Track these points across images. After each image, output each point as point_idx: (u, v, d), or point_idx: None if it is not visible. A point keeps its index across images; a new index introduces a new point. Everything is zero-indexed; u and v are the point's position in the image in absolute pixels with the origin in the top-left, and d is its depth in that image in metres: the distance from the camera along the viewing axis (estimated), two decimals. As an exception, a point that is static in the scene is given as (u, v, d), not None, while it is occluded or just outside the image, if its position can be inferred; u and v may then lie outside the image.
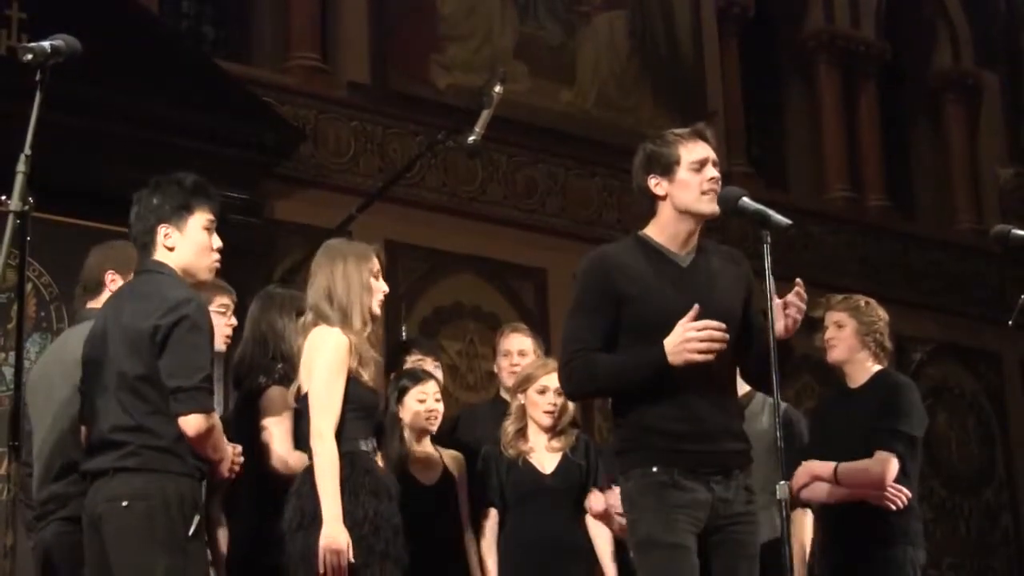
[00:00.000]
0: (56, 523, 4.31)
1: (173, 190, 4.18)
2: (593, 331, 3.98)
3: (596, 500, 5.30)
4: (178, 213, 4.16)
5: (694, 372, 3.88)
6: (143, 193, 4.20)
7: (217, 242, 4.24)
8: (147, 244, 4.16)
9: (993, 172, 13.44)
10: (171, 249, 4.15)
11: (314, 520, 4.26)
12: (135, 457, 3.93)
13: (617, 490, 4.67)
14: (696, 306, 3.86)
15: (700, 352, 3.83)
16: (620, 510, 5.00)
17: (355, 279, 4.49)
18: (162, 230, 4.15)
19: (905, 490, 5.04)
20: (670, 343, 3.85)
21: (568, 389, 4.22)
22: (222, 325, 4.89)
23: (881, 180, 12.76)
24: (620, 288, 3.97)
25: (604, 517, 5.29)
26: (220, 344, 4.89)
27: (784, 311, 3.96)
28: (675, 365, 3.85)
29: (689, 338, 3.84)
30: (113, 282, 4.59)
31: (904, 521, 5.09)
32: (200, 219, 4.19)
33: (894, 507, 5.01)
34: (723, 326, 3.86)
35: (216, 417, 4.05)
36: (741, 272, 4.14)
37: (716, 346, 3.85)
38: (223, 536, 4.78)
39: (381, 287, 4.57)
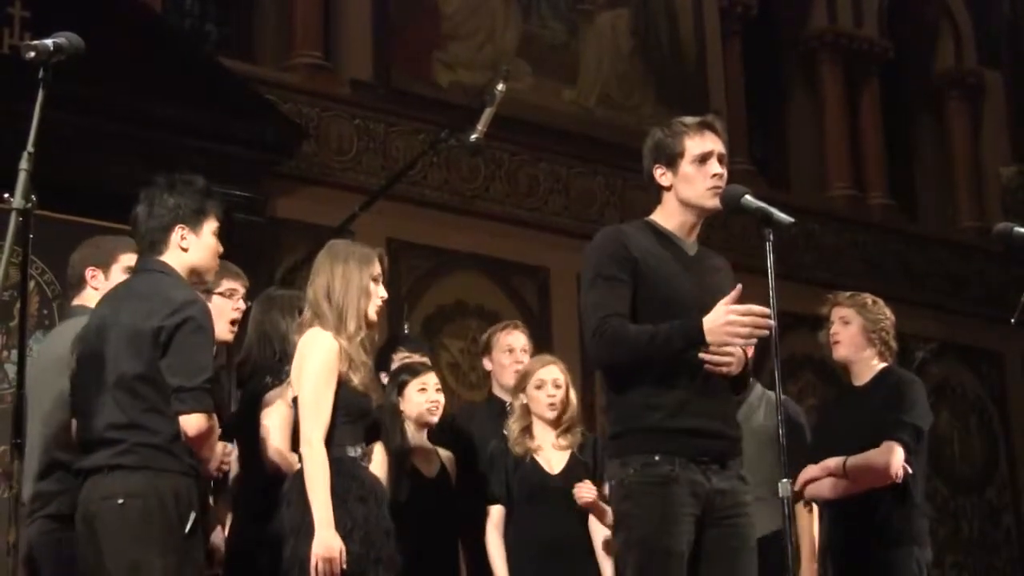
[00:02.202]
0: (40, 521, 4.29)
1: (189, 191, 4.18)
2: (617, 297, 3.93)
3: (587, 489, 5.18)
4: (195, 216, 4.16)
5: (694, 356, 3.87)
6: (155, 191, 4.18)
7: (220, 247, 4.26)
8: (156, 243, 4.15)
9: (996, 171, 13.43)
10: (185, 250, 4.15)
11: (303, 527, 4.25)
12: (131, 455, 3.92)
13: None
14: (739, 286, 3.83)
15: (742, 337, 3.79)
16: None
17: (354, 281, 4.47)
18: (179, 231, 4.14)
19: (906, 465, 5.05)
20: (711, 321, 3.79)
21: (598, 355, 4.02)
22: (228, 310, 4.85)
23: (883, 179, 12.77)
24: (637, 258, 3.96)
25: (594, 507, 5.22)
26: (227, 330, 4.84)
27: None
28: (710, 343, 3.80)
29: (732, 321, 3.77)
30: (94, 278, 4.58)
31: (910, 520, 5.10)
32: (212, 224, 4.20)
33: (898, 479, 5.01)
34: (768, 312, 3.79)
35: (215, 418, 4.04)
36: (729, 277, 4.11)
37: (759, 332, 3.80)
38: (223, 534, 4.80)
39: (380, 293, 4.55)
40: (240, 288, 4.93)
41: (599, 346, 3.94)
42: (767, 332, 3.80)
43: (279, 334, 4.87)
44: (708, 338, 3.80)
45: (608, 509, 4.84)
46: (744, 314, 3.77)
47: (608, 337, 3.90)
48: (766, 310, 3.79)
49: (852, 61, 12.69)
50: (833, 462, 5.09)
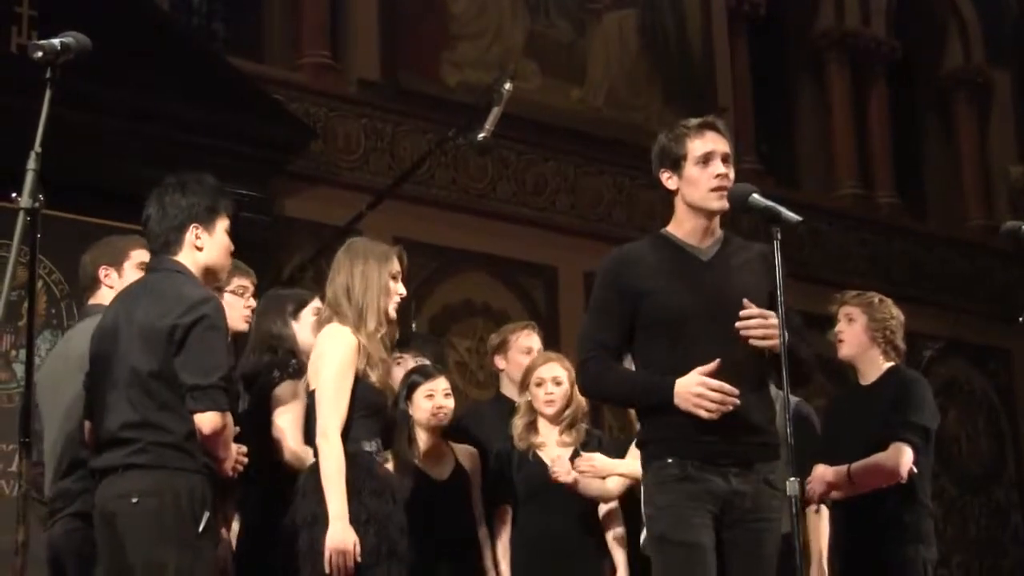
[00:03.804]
0: (64, 520, 4.32)
1: (201, 191, 4.18)
2: (609, 330, 4.01)
3: (561, 466, 5.20)
4: (209, 215, 4.17)
5: (721, 366, 3.86)
6: (166, 191, 4.19)
7: (232, 245, 4.27)
8: (170, 242, 4.15)
9: (1004, 169, 13.42)
10: (199, 249, 4.16)
11: (317, 519, 4.27)
12: (145, 454, 3.93)
13: (595, 455, 5.09)
14: (718, 360, 3.84)
15: (706, 411, 3.83)
16: (593, 473, 5.17)
17: (374, 279, 4.50)
18: (193, 230, 4.15)
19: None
20: (682, 386, 3.86)
21: (581, 387, 4.32)
22: (240, 307, 4.90)
23: (891, 178, 12.76)
24: (636, 284, 3.97)
25: (572, 485, 5.21)
26: (242, 324, 4.90)
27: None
28: (678, 405, 3.86)
29: (702, 394, 3.84)
30: (107, 277, 4.62)
31: (916, 520, 5.10)
32: (225, 222, 4.22)
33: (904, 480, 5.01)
34: (737, 392, 3.84)
35: (230, 416, 4.05)
36: (767, 269, 3.99)
37: (724, 409, 3.84)
38: (232, 534, 4.80)
39: (398, 290, 4.57)
40: (250, 286, 4.99)
41: (584, 383, 4.21)
42: (730, 408, 3.85)
43: (282, 333, 4.89)
44: (676, 401, 3.86)
45: (599, 481, 5.23)
46: (715, 389, 3.84)
47: (591, 378, 4.10)
48: (735, 391, 3.84)
49: (860, 60, 12.68)
50: (835, 476, 5.08)
